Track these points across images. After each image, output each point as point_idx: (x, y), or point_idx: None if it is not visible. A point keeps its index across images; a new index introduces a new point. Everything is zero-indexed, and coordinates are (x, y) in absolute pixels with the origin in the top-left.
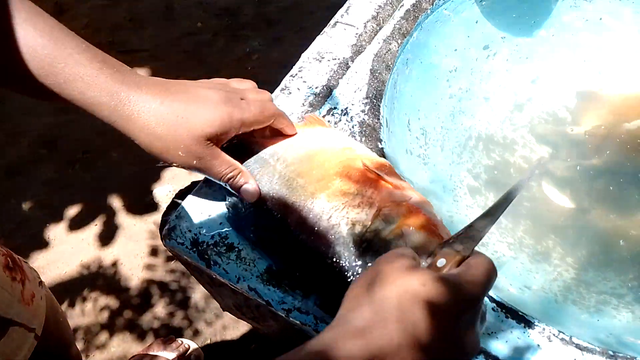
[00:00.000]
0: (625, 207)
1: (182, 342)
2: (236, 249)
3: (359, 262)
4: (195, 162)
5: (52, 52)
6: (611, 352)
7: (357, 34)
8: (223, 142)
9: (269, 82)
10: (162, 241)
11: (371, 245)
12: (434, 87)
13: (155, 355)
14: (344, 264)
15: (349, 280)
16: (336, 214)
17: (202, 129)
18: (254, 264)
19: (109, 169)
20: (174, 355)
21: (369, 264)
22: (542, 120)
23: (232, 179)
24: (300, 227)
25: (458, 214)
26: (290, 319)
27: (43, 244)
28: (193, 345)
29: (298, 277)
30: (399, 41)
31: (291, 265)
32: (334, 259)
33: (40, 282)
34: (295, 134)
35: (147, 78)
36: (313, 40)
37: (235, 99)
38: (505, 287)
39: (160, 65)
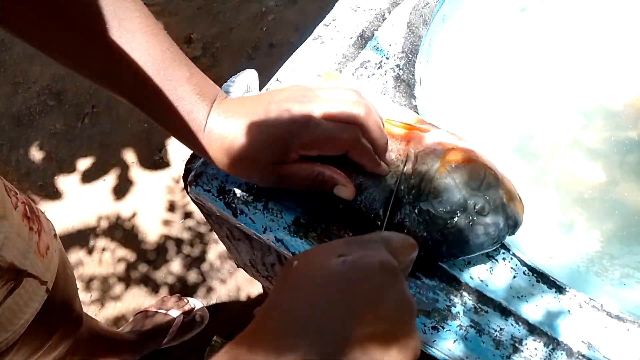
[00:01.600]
0: None
1: (187, 300)
2: (263, 199)
3: (413, 211)
4: (273, 184)
5: (163, 76)
6: None
7: None
8: (294, 158)
9: (284, 44)
10: (187, 188)
11: (420, 190)
12: (469, 48)
13: (158, 312)
14: (398, 216)
15: (406, 233)
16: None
17: (263, 159)
18: (281, 214)
19: (117, 124)
20: (178, 312)
21: (426, 210)
22: (579, 89)
23: (318, 186)
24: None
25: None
26: None
27: (53, 194)
28: (198, 305)
29: (327, 230)
30: None
31: (331, 219)
32: (389, 214)
33: (55, 235)
34: (381, 172)
35: (226, 102)
36: (330, 2)
37: (301, 117)
38: (530, 254)
39: (173, 20)
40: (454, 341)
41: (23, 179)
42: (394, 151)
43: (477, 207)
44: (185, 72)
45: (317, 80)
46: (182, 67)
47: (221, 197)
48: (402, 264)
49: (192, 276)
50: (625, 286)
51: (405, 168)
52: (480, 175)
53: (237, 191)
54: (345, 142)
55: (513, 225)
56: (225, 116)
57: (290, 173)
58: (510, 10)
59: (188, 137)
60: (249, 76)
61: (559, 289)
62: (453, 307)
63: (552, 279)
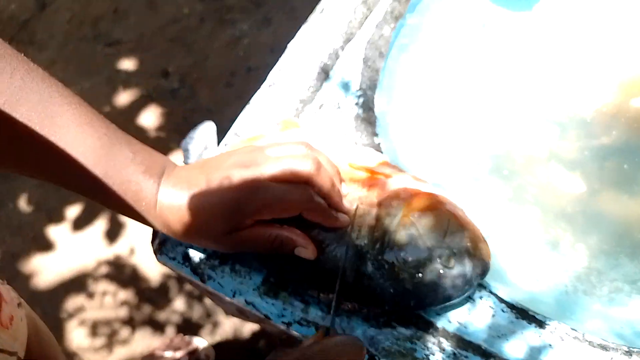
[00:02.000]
0: (637, 187)
1: (192, 340)
2: (230, 262)
3: (377, 265)
4: (232, 250)
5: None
6: (626, 348)
7: (346, 20)
8: (249, 224)
9: (262, 67)
10: (155, 256)
11: (383, 243)
12: (433, 74)
13: (164, 355)
14: (363, 270)
15: (372, 288)
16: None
17: (215, 229)
18: (249, 276)
19: None
20: (183, 353)
21: (391, 263)
22: (549, 100)
23: (278, 249)
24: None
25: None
26: (292, 331)
27: (46, 245)
28: (203, 344)
29: (297, 287)
30: (392, 25)
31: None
32: (351, 268)
33: (20, 304)
34: (341, 225)
35: (174, 174)
36: (304, 20)
37: (249, 183)
38: (512, 282)
39: (147, 56)
40: None
41: (15, 233)
42: (356, 199)
43: (441, 259)
44: (127, 154)
45: (275, 129)
46: (123, 149)
47: (187, 263)
48: None
49: (197, 313)
50: (614, 302)
51: (368, 220)
52: (444, 224)
53: (203, 256)
54: (297, 203)
55: (481, 272)
56: (174, 189)
57: (247, 239)
58: (470, 28)
59: (141, 216)
60: (207, 130)
61: (540, 323)
62: (432, 355)
63: (531, 313)
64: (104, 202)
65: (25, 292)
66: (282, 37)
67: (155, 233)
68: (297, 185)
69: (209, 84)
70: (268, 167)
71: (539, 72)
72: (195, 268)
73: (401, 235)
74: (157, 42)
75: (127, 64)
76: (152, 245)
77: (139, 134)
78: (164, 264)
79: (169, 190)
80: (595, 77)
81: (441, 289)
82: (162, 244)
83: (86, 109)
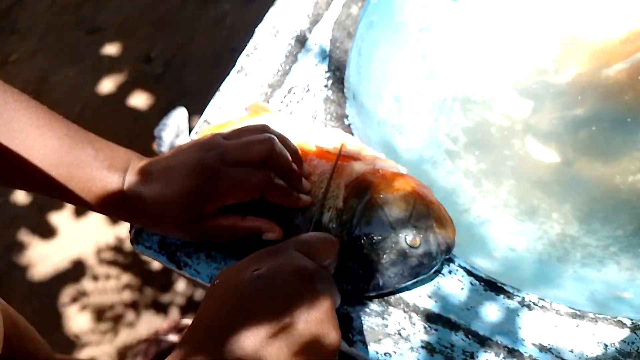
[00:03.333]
0: (609, 154)
1: (186, 322)
2: (205, 248)
3: (346, 250)
4: (201, 239)
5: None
6: (592, 315)
7: (312, 1)
8: (212, 211)
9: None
10: (132, 245)
11: (352, 226)
12: (404, 48)
13: (160, 340)
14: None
15: (341, 269)
16: (309, 209)
17: (178, 217)
18: (224, 261)
19: None
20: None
21: (359, 244)
22: (523, 72)
23: (245, 236)
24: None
25: (438, 181)
26: None
27: (43, 235)
28: None
29: None
30: (360, 4)
31: None
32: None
33: None
34: (303, 205)
35: (139, 167)
36: None
37: (208, 169)
38: (488, 253)
39: (131, 40)
40: None
41: (9, 226)
42: (324, 181)
43: (408, 240)
44: (89, 152)
45: (244, 114)
46: (85, 147)
47: (163, 251)
48: (323, 262)
49: (199, 294)
50: (587, 267)
51: (336, 203)
52: (410, 204)
53: (178, 243)
54: (257, 185)
55: (446, 250)
56: (138, 181)
57: (212, 228)
58: (442, 2)
59: (109, 210)
60: (179, 117)
61: (508, 293)
62: (402, 330)
63: (500, 284)
64: (71, 201)
65: (22, 284)
66: (264, 16)
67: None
68: (255, 168)
69: (194, 68)
70: (228, 152)
71: (511, 44)
72: (171, 255)
73: (368, 217)
74: (140, 26)
75: (111, 50)
76: (130, 235)
77: (126, 121)
78: (141, 253)
79: (133, 183)
80: (567, 48)
81: (408, 267)
82: (138, 234)
83: (44, 112)
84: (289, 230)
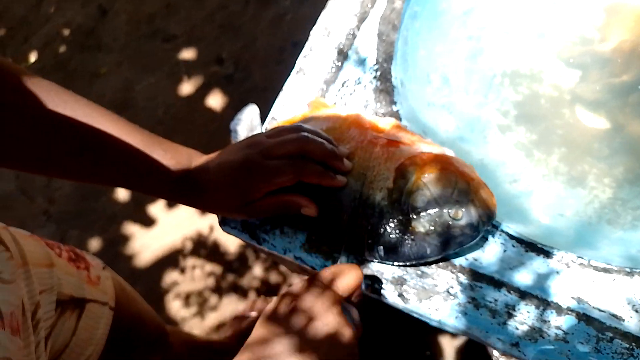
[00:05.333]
0: None
1: (271, 300)
2: (279, 226)
3: (397, 224)
4: (257, 217)
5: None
6: (628, 270)
7: (359, 0)
8: (259, 196)
9: (306, 40)
10: (220, 227)
11: (401, 203)
12: (449, 33)
13: (249, 314)
14: (385, 230)
15: (394, 243)
16: (365, 191)
17: (235, 204)
18: (295, 236)
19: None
20: None
21: (409, 222)
22: (568, 43)
23: (287, 211)
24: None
25: (489, 156)
26: None
27: (139, 229)
28: None
29: (335, 243)
30: None
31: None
32: (377, 229)
33: (104, 267)
34: (338, 184)
35: (199, 164)
36: None
37: (252, 163)
38: (536, 219)
39: (201, 45)
40: (456, 317)
41: (112, 221)
42: (373, 159)
43: (451, 214)
44: (159, 152)
45: (306, 109)
46: (156, 149)
47: (245, 230)
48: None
49: (274, 277)
50: (637, 227)
51: (387, 184)
52: (451, 181)
53: (257, 222)
54: (294, 172)
55: (487, 220)
56: (196, 176)
57: (261, 207)
58: None
59: (177, 197)
60: (252, 112)
61: (547, 253)
62: (451, 288)
63: (539, 246)
64: (147, 190)
65: (125, 273)
66: (321, 9)
67: None
68: (290, 159)
69: (260, 64)
70: (266, 149)
71: (555, 16)
72: (252, 234)
73: (415, 196)
74: (208, 30)
75: (185, 55)
76: (218, 218)
77: (203, 119)
78: (228, 232)
79: (193, 178)
80: (611, 16)
81: (453, 238)
82: (225, 217)
83: (124, 123)
84: (335, 205)
